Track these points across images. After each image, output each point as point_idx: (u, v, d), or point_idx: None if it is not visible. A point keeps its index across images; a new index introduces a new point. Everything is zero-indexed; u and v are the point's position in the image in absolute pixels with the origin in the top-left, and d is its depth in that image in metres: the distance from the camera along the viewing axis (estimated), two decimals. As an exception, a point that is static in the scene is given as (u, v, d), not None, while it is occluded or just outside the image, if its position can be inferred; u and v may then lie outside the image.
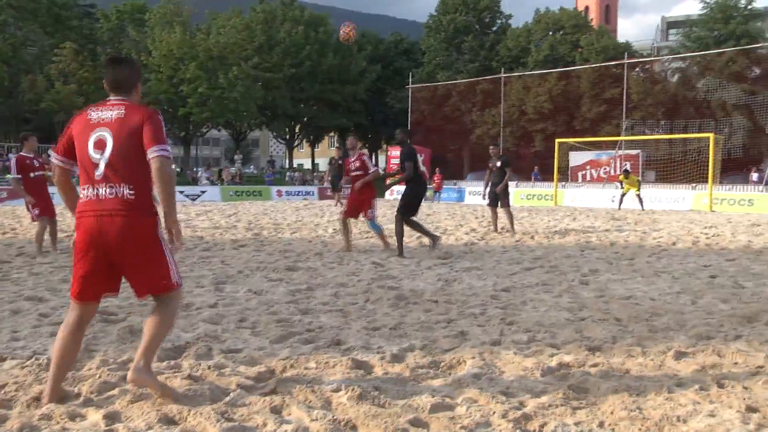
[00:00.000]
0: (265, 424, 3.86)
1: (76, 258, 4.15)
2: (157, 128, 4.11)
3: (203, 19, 54.38)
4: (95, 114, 4.19)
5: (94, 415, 3.97)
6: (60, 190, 4.32)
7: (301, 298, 7.67)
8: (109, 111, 4.17)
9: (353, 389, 4.33)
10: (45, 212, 11.60)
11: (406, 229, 11.79)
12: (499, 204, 16.49)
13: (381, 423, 3.84)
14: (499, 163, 16.46)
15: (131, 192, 4.08)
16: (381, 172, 12.77)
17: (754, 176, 38.01)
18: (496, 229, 16.70)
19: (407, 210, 11.63)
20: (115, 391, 4.33)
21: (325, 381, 4.59)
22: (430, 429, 3.85)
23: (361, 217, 12.53)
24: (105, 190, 4.07)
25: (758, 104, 40.89)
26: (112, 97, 4.26)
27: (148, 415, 3.93)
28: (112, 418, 3.94)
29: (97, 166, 4.10)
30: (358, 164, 12.18)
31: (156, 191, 4.12)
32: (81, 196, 4.20)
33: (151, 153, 4.02)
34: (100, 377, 4.60)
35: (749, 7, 50.67)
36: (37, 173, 11.63)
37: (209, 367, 4.86)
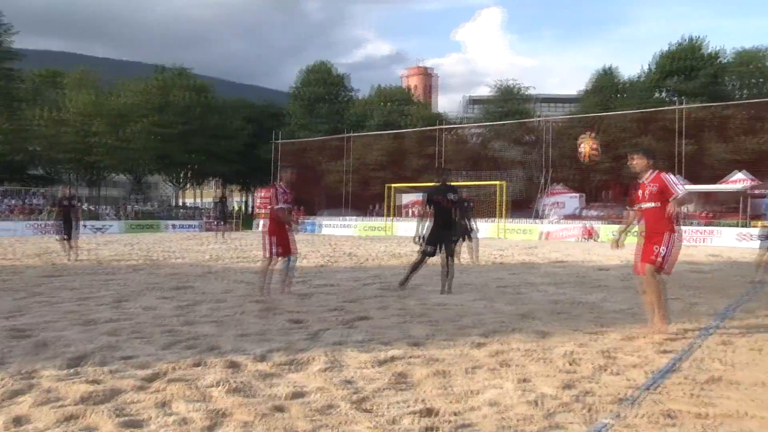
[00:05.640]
0: (154, 417, 3.65)
1: None
2: None
3: (112, 82, 52.27)
4: None
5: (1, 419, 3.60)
6: None
7: (186, 312, 7.35)
8: None
9: (227, 384, 4.20)
10: None
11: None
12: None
13: (249, 410, 3.73)
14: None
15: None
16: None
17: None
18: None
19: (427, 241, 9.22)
20: (25, 398, 3.96)
21: (204, 378, 4.41)
22: (291, 412, 3.76)
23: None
24: None
25: (531, 161, 43.71)
26: None
27: (48, 416, 3.62)
28: (18, 421, 3.59)
29: None
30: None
31: None
32: None
33: None
34: (5, 386, 4.19)
35: (521, 92, 54.84)
36: None
37: (109, 372, 4.56)
